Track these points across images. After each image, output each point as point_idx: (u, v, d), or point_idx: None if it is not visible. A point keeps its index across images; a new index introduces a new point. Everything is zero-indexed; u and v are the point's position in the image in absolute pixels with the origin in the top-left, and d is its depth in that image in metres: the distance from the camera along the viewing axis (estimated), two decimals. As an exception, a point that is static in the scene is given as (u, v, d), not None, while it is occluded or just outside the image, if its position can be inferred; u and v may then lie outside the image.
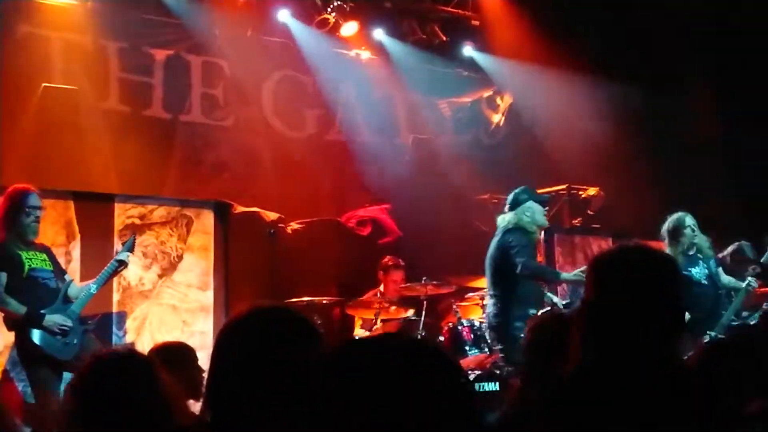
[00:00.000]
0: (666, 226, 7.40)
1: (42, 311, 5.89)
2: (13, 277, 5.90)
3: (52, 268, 6.18)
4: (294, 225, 9.66)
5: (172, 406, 2.56)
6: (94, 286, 6.25)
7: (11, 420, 2.47)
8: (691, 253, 7.33)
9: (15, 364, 6.45)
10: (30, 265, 6.00)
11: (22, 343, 5.91)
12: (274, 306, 2.19)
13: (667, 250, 7.24)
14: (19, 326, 5.91)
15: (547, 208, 7.40)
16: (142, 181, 8.89)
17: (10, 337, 6.25)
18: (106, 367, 2.59)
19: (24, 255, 5.99)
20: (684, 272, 7.10)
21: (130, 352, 2.87)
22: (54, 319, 5.90)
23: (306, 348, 2.02)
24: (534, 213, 7.07)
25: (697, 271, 7.28)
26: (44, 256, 6.18)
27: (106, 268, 6.28)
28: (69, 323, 5.95)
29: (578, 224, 10.38)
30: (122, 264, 6.34)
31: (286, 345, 2.06)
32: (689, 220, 7.33)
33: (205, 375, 2.18)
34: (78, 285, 6.45)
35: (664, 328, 2.21)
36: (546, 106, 11.16)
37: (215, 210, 8.08)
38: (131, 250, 6.52)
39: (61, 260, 6.65)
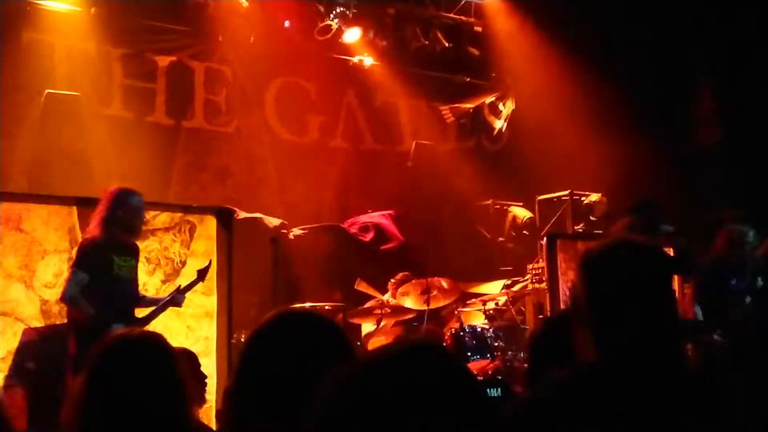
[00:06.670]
0: None
1: (109, 320, 5.55)
2: (96, 280, 5.72)
3: (132, 277, 6.03)
4: (297, 231, 9.66)
5: (188, 400, 2.52)
6: (164, 305, 6.11)
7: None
8: None
9: (19, 370, 6.38)
10: (117, 272, 5.85)
11: (79, 348, 5.55)
12: (304, 312, 2.08)
13: None
14: (82, 331, 5.60)
15: None
16: (145, 187, 8.83)
17: (14, 343, 6.25)
18: (130, 347, 2.56)
19: (116, 260, 5.86)
20: None
21: (154, 335, 2.80)
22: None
23: (337, 357, 1.90)
24: None
25: None
26: (132, 263, 6.02)
27: (168, 298, 6.17)
28: None
29: (581, 230, 10.36)
30: (182, 299, 6.20)
31: (316, 354, 1.96)
32: None
33: (207, 381, 2.14)
34: (149, 298, 6.35)
35: (656, 325, 2.10)
36: (548, 111, 11.16)
37: (218, 216, 8.07)
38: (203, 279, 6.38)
39: (65, 266, 6.62)
